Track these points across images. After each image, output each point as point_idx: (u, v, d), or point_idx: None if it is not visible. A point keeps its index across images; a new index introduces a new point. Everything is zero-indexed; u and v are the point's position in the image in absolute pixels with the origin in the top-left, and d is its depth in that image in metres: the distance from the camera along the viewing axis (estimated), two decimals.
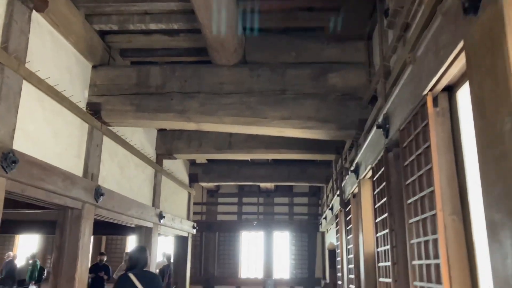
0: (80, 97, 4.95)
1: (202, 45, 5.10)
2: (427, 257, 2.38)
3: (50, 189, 4.09)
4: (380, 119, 3.46)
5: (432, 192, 2.28)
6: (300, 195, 13.89)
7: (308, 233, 13.38)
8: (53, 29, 4.39)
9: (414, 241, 2.60)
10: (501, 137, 1.48)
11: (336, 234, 7.38)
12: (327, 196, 9.93)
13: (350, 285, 5.71)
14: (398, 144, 3.02)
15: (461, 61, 1.95)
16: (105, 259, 9.99)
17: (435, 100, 2.40)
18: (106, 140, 5.52)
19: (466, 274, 2.12)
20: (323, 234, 12.46)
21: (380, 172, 3.62)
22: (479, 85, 1.66)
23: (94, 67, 5.23)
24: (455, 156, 2.32)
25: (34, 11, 3.97)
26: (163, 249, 10.98)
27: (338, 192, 6.57)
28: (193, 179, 10.21)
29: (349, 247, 5.73)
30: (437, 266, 2.23)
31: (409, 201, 2.71)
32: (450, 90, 2.38)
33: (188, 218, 9.86)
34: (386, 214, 3.38)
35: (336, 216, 7.27)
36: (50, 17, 4.27)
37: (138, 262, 4.29)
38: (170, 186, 8.53)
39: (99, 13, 4.94)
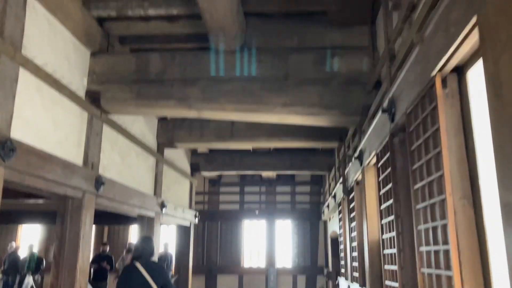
0: (79, 85, 4.87)
1: (202, 31, 4.99)
2: (436, 243, 2.32)
3: (50, 178, 4.03)
4: (385, 104, 3.37)
5: (441, 176, 2.20)
6: (302, 184, 13.84)
7: (310, 222, 13.35)
8: (50, 15, 4.29)
9: (422, 227, 2.54)
10: None
11: (339, 222, 7.33)
12: (329, 185, 9.87)
13: (354, 273, 5.68)
14: (404, 129, 2.94)
15: (473, 38, 1.87)
16: (107, 249, 9.98)
17: (444, 82, 2.32)
18: (106, 129, 5.45)
19: (477, 259, 2.06)
20: (325, 222, 12.43)
21: (385, 158, 3.54)
22: (495, 62, 1.58)
23: (92, 54, 5.14)
24: (465, 139, 2.25)
25: None
26: (165, 240, 10.97)
27: (341, 180, 6.50)
28: (195, 168, 10.16)
29: (352, 235, 5.68)
30: (446, 252, 2.16)
31: (416, 187, 2.64)
32: (460, 71, 2.29)
33: (190, 208, 9.83)
34: (391, 201, 3.31)
35: (339, 204, 7.21)
36: (46, 3, 4.17)
37: (144, 252, 4.27)
38: (172, 176, 8.48)
39: None
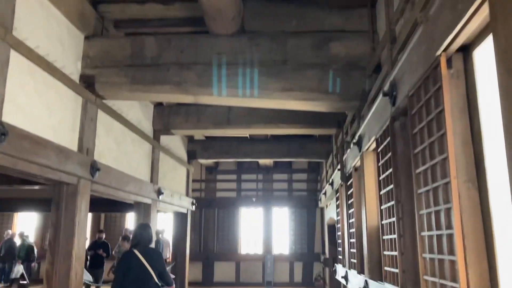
0: (73, 69, 4.77)
1: (198, 15, 4.87)
2: (438, 228, 2.26)
3: (44, 163, 3.95)
4: (386, 87, 3.30)
5: (445, 159, 2.14)
6: (299, 171, 13.83)
7: (307, 209, 13.37)
8: None
9: (424, 211, 2.49)
10: None
11: (337, 209, 7.30)
12: (327, 172, 9.84)
13: (352, 260, 5.66)
14: (406, 112, 2.87)
15: (482, 15, 1.79)
16: (103, 236, 9.95)
17: (448, 62, 2.25)
18: (101, 114, 5.36)
19: (482, 244, 2.01)
20: (322, 209, 12.44)
21: (385, 143, 3.48)
22: (506, 37, 1.51)
23: (86, 38, 5.01)
24: (470, 120, 2.18)
25: None
26: (158, 226, 10.92)
27: (339, 167, 6.45)
28: (192, 156, 10.10)
29: (350, 221, 5.65)
30: (450, 236, 2.11)
31: (418, 171, 2.58)
32: (466, 50, 2.22)
33: (187, 195, 9.78)
34: (391, 186, 3.26)
35: (337, 191, 7.17)
36: None
37: (142, 238, 4.38)
38: (169, 163, 8.41)
39: None
